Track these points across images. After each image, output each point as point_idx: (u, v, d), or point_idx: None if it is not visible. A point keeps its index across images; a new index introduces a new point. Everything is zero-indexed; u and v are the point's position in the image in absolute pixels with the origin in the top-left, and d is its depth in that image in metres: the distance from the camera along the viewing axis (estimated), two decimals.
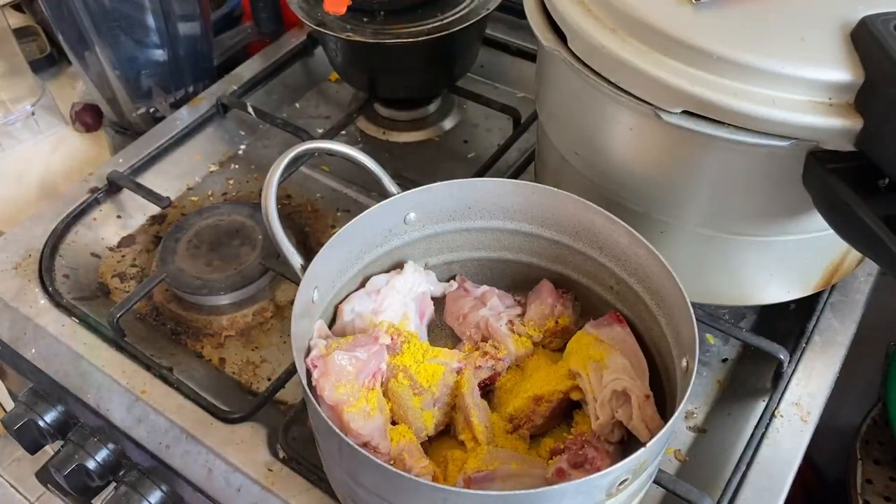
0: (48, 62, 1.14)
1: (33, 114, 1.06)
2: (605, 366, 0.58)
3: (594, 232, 0.62)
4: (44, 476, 0.76)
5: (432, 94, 1.00)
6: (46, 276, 0.78)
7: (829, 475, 1.07)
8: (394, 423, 0.59)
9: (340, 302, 0.64)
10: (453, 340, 0.68)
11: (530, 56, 1.00)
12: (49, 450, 0.81)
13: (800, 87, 0.50)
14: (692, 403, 0.71)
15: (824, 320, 0.72)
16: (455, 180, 0.63)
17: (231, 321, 0.78)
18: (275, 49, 1.06)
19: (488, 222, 0.66)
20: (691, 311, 0.52)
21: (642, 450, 0.46)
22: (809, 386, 0.68)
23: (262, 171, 0.94)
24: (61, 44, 0.96)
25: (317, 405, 0.50)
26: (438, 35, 0.84)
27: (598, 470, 0.46)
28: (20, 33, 1.15)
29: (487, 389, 0.63)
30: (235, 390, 0.73)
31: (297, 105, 1.04)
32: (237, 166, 0.95)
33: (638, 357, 0.59)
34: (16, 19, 1.19)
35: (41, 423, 0.75)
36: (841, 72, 0.49)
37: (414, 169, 0.93)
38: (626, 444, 0.58)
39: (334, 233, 0.59)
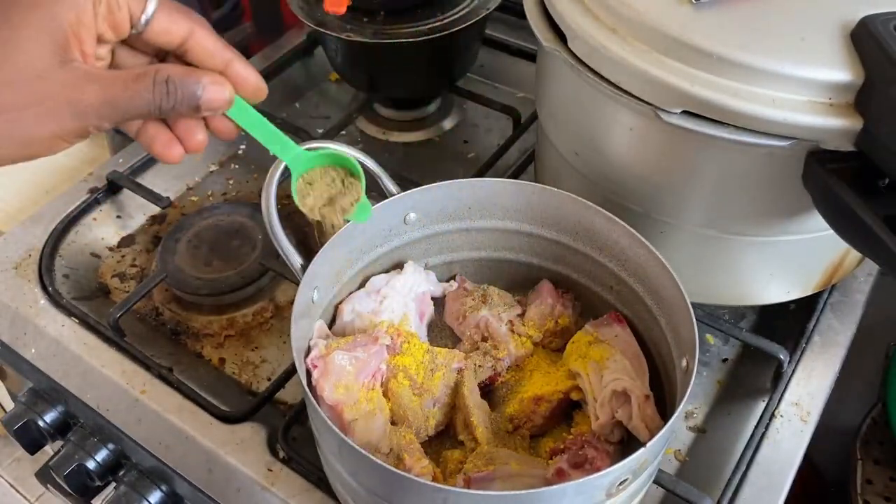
0: None
1: None
2: (604, 366, 0.58)
3: (594, 232, 0.62)
4: (44, 476, 0.76)
5: (432, 94, 1.00)
6: (46, 276, 0.78)
7: (829, 475, 1.07)
8: (394, 423, 0.59)
9: (340, 302, 0.64)
10: (453, 340, 0.68)
11: (530, 56, 1.00)
12: (49, 450, 0.81)
13: (800, 87, 0.50)
14: (692, 403, 0.71)
15: (824, 320, 0.72)
16: (455, 180, 0.63)
17: (231, 321, 0.78)
18: (275, 49, 1.06)
19: (488, 222, 0.66)
20: (691, 311, 0.53)
21: (642, 450, 0.46)
22: (809, 386, 0.68)
23: (262, 171, 0.94)
24: None
25: (317, 405, 0.50)
26: (438, 35, 0.84)
27: (598, 470, 0.46)
28: None
29: (487, 389, 0.63)
30: (235, 390, 0.73)
31: (297, 105, 1.04)
32: (237, 166, 0.95)
33: (638, 357, 0.59)
34: None
35: (41, 423, 0.75)
36: (841, 72, 0.50)
37: (414, 169, 0.93)
38: (626, 444, 0.58)
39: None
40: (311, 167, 0.50)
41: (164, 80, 0.40)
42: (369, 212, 0.51)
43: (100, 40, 0.42)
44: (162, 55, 0.45)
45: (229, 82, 0.43)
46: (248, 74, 0.44)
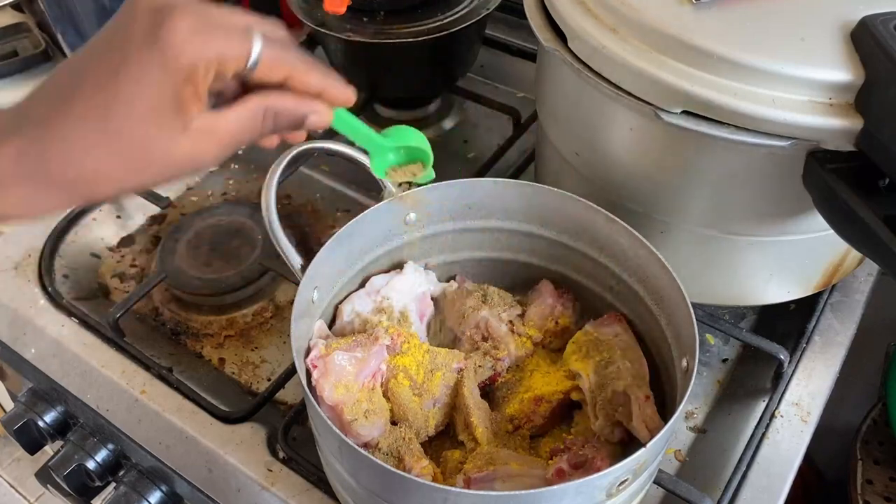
0: (43, 58, 1.14)
1: None
2: (604, 366, 0.58)
3: (594, 232, 0.62)
4: (43, 476, 0.76)
5: (432, 94, 1.00)
6: (46, 276, 0.78)
7: (829, 475, 1.08)
8: (394, 423, 0.59)
9: (340, 302, 0.63)
10: (453, 341, 0.68)
11: (530, 56, 1.00)
12: (49, 450, 0.81)
13: (800, 87, 0.50)
14: (692, 403, 0.71)
15: (824, 320, 0.72)
16: (455, 180, 0.63)
17: (231, 321, 0.78)
18: None
19: (488, 222, 0.66)
20: (691, 311, 0.52)
21: (642, 450, 0.46)
22: (809, 386, 0.68)
23: (262, 171, 0.94)
24: (61, 44, 0.96)
25: (317, 405, 0.50)
26: (438, 35, 0.84)
27: (598, 470, 0.46)
28: (12, 30, 1.15)
29: (487, 390, 0.63)
30: (235, 390, 0.73)
31: None
32: (237, 166, 0.95)
33: (638, 357, 0.59)
34: (10, 18, 1.19)
35: (41, 424, 0.75)
36: (841, 72, 0.50)
37: None
38: (626, 444, 0.58)
39: (334, 233, 0.59)
40: (391, 152, 0.58)
41: (272, 115, 0.45)
42: (431, 176, 0.60)
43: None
44: None
45: (326, 105, 0.47)
46: (340, 91, 0.47)
